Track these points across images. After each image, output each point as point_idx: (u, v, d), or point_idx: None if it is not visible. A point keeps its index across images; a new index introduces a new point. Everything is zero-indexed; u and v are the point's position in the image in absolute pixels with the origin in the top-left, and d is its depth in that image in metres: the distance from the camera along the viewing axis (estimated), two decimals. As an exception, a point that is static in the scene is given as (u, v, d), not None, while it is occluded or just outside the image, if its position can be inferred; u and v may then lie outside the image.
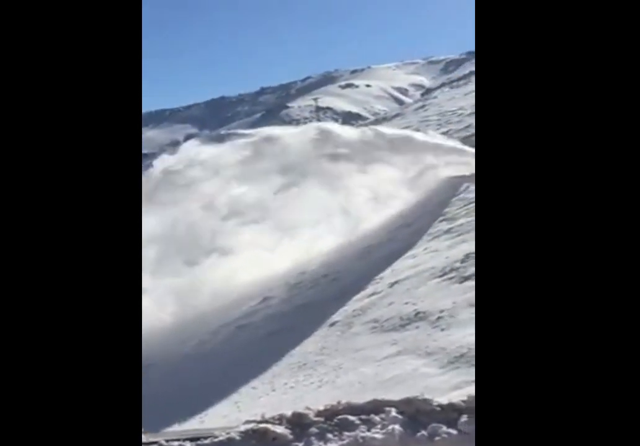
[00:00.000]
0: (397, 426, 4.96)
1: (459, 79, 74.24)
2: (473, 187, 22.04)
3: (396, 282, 15.58)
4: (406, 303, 13.77)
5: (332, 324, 14.52)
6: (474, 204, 20.24)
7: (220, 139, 28.79)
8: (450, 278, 14.07)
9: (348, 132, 26.15)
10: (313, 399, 9.98)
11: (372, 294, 15.50)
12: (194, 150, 25.60)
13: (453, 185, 23.31)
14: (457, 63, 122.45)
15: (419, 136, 27.16)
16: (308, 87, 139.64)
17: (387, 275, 16.61)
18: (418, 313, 12.81)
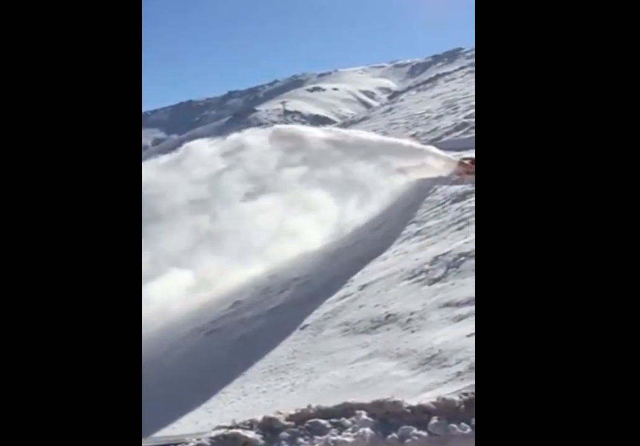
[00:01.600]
0: (367, 429, 4.96)
1: (426, 82, 74.79)
2: (441, 189, 22.23)
3: (366, 285, 15.63)
4: (376, 305, 13.83)
5: (303, 327, 14.52)
6: (442, 206, 20.42)
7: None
8: (420, 280, 14.16)
9: (318, 134, 26.18)
10: (285, 403, 9.97)
11: (343, 297, 15.53)
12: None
13: (422, 188, 23.47)
14: (424, 66, 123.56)
15: (387, 139, 27.29)
16: (276, 90, 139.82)
17: (358, 277, 16.66)
18: (389, 315, 12.87)
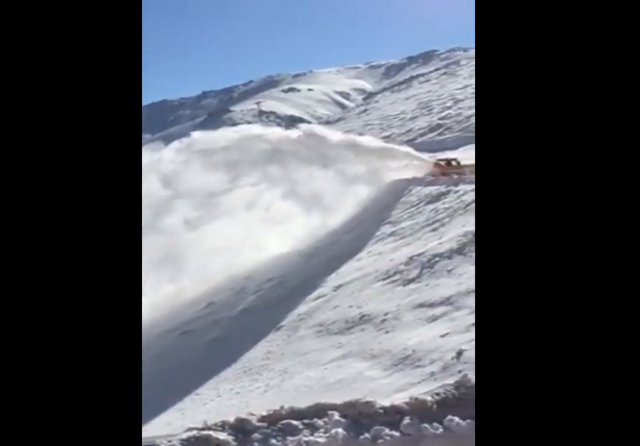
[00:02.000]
0: (340, 430, 4.96)
1: (400, 84, 75.06)
2: (416, 190, 22.30)
3: (341, 285, 15.63)
4: (351, 306, 13.84)
5: (278, 328, 14.47)
6: (416, 207, 20.48)
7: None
8: (394, 281, 14.19)
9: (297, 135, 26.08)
10: (259, 404, 9.92)
11: (317, 298, 15.52)
12: None
13: (396, 189, 23.51)
14: (398, 67, 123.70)
15: (363, 140, 27.27)
16: (250, 90, 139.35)
17: (332, 278, 16.66)
18: (363, 316, 12.88)
